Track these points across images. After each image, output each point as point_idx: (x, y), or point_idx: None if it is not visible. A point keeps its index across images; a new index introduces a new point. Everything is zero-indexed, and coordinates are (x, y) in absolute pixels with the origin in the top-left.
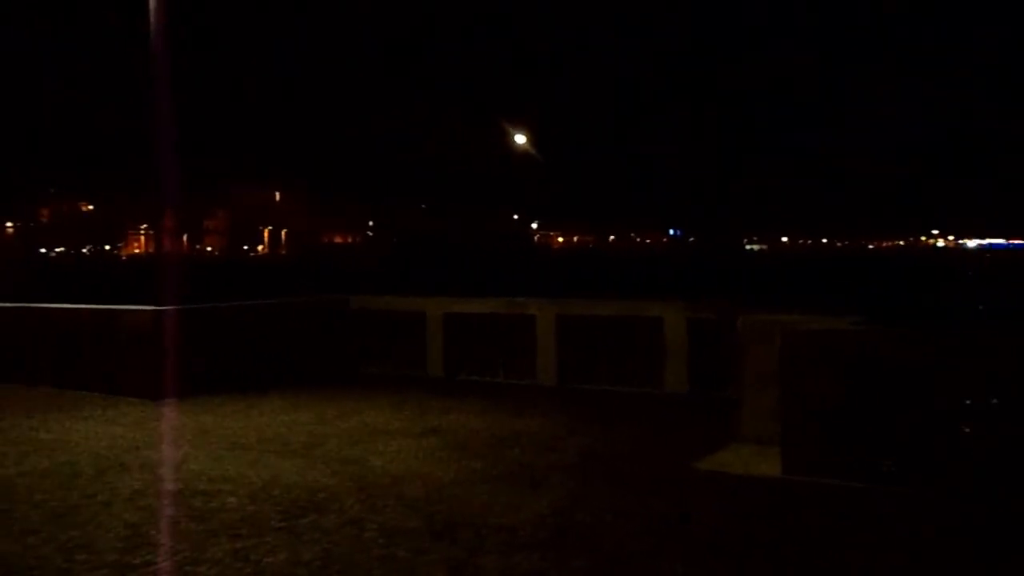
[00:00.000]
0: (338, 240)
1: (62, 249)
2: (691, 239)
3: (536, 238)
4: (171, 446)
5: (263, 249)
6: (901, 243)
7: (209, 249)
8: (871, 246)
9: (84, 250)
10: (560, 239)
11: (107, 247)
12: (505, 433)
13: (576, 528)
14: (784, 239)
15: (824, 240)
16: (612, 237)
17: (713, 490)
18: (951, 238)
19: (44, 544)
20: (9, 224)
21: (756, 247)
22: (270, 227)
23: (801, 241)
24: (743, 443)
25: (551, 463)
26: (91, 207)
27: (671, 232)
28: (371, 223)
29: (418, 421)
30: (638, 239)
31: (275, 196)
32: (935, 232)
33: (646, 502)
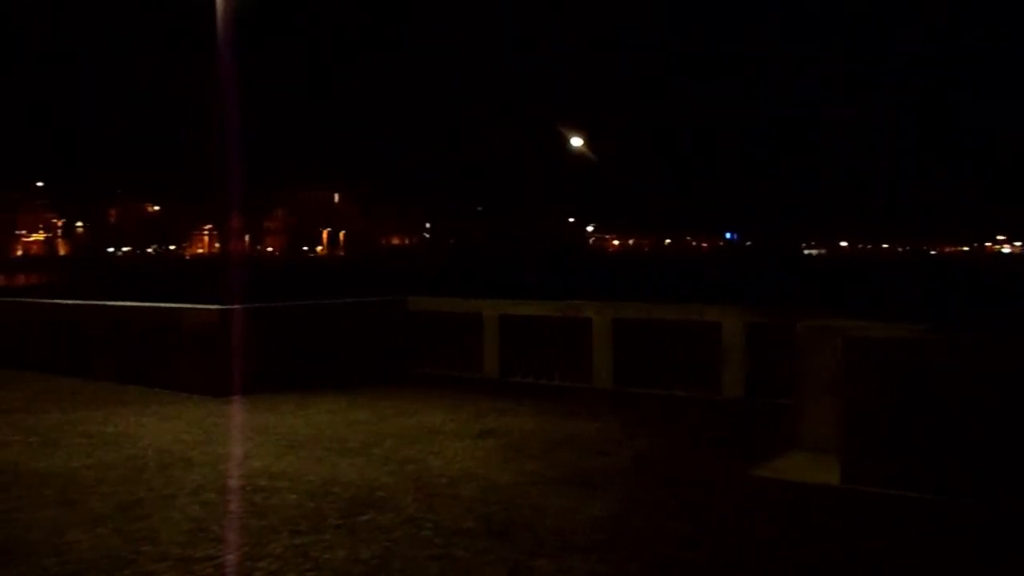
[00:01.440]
0: (395, 242)
1: (128, 249)
2: (748, 243)
3: (591, 241)
4: (233, 442)
5: (322, 250)
6: (965, 249)
7: (270, 249)
8: (933, 252)
9: (149, 250)
10: (616, 242)
11: (171, 247)
12: (560, 436)
13: (631, 532)
14: (843, 244)
15: (885, 245)
16: (668, 240)
17: (770, 497)
18: (1018, 244)
19: (112, 535)
20: (79, 224)
21: (815, 252)
22: (329, 228)
23: (861, 246)
24: (801, 450)
25: (606, 466)
26: (157, 208)
27: (727, 236)
28: (428, 225)
29: (474, 422)
30: (694, 243)
31: (334, 198)
32: (1001, 238)
33: (701, 507)
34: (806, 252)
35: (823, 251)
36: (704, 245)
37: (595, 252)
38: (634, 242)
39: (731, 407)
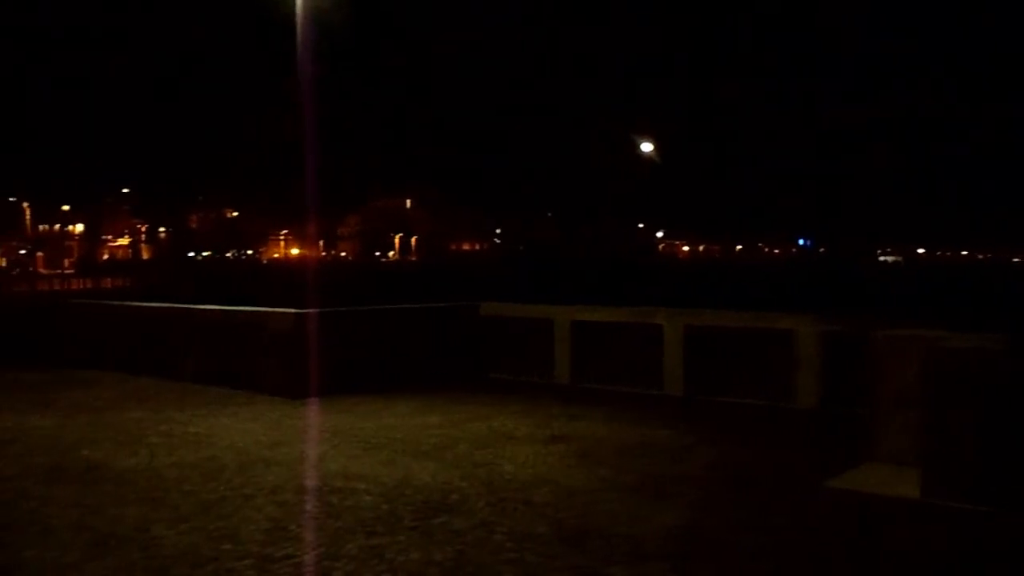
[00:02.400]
0: (466, 247)
1: (208, 253)
2: (821, 250)
3: (661, 247)
4: (309, 444)
5: (394, 255)
6: None
7: (343, 254)
8: (1016, 259)
9: (228, 254)
10: (686, 248)
11: (249, 251)
12: (632, 442)
13: (703, 541)
14: (920, 251)
15: (964, 252)
16: (739, 247)
17: (846, 509)
18: None
19: (193, 532)
20: (162, 229)
21: (891, 259)
22: (401, 234)
23: (939, 253)
24: (878, 462)
25: (678, 474)
26: (235, 213)
27: (800, 242)
28: (498, 231)
29: (545, 427)
30: (766, 249)
31: (406, 204)
32: None
33: (775, 518)
34: (882, 259)
35: (899, 258)
36: (776, 251)
37: (665, 258)
38: (704, 248)
39: (805, 417)
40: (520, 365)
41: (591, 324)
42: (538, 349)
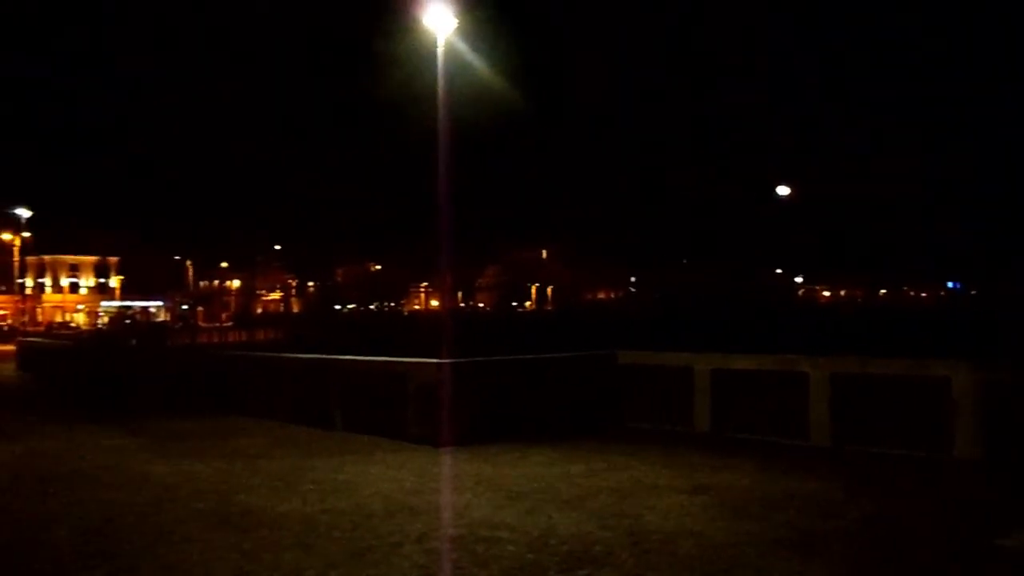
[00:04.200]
0: (601, 296)
1: (353, 305)
2: (972, 292)
3: (800, 292)
4: (453, 492)
5: (530, 305)
6: None
7: (481, 305)
8: None
9: (371, 306)
10: (826, 293)
11: (391, 303)
12: (778, 494)
13: None
14: None
15: None
16: (883, 291)
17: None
18: None
19: None
20: (311, 284)
21: None
22: (537, 284)
23: None
24: None
25: (829, 529)
26: (378, 267)
27: (949, 285)
28: (633, 279)
29: (688, 478)
30: (911, 292)
31: (542, 254)
32: None
33: None
34: None
35: None
36: (923, 295)
37: (805, 304)
38: (845, 293)
39: (965, 468)
40: (659, 414)
41: (732, 372)
42: (677, 398)
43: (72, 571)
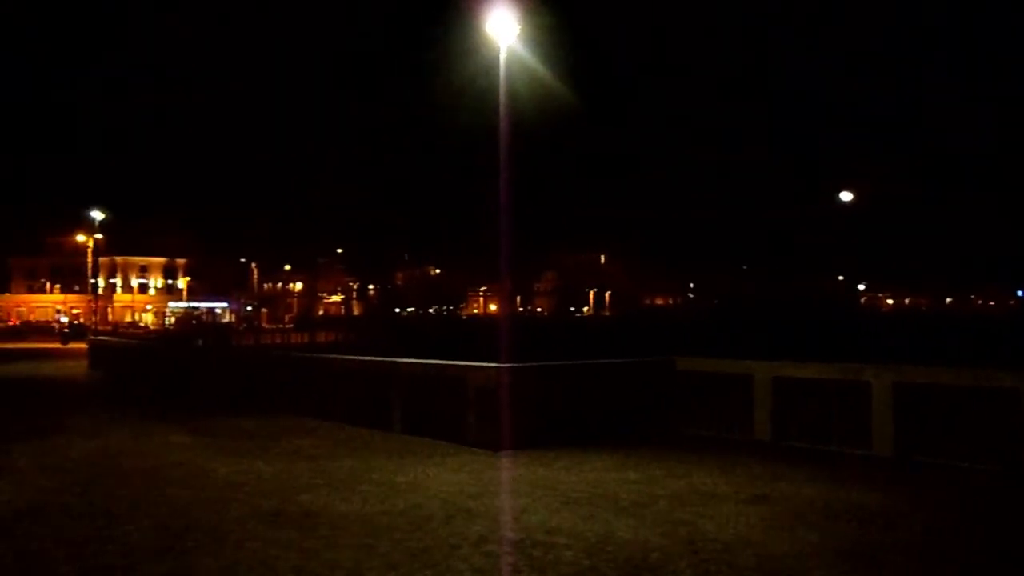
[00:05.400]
0: (659, 302)
1: (412, 309)
2: None
3: (863, 300)
4: (511, 496)
5: (588, 310)
6: None
7: (539, 310)
8: None
9: (430, 310)
10: (890, 301)
11: (450, 307)
12: (840, 505)
13: None
14: None
15: None
16: (949, 299)
17: None
18: None
19: None
20: (371, 287)
21: None
22: (595, 289)
23: None
24: None
25: (893, 542)
26: (437, 271)
27: (1020, 293)
28: (691, 285)
29: (747, 486)
30: (979, 301)
31: (600, 259)
32: None
33: None
34: None
35: None
36: (992, 303)
37: (867, 312)
38: (910, 301)
39: None
40: (718, 421)
41: (793, 380)
42: (737, 405)
43: (140, 564)
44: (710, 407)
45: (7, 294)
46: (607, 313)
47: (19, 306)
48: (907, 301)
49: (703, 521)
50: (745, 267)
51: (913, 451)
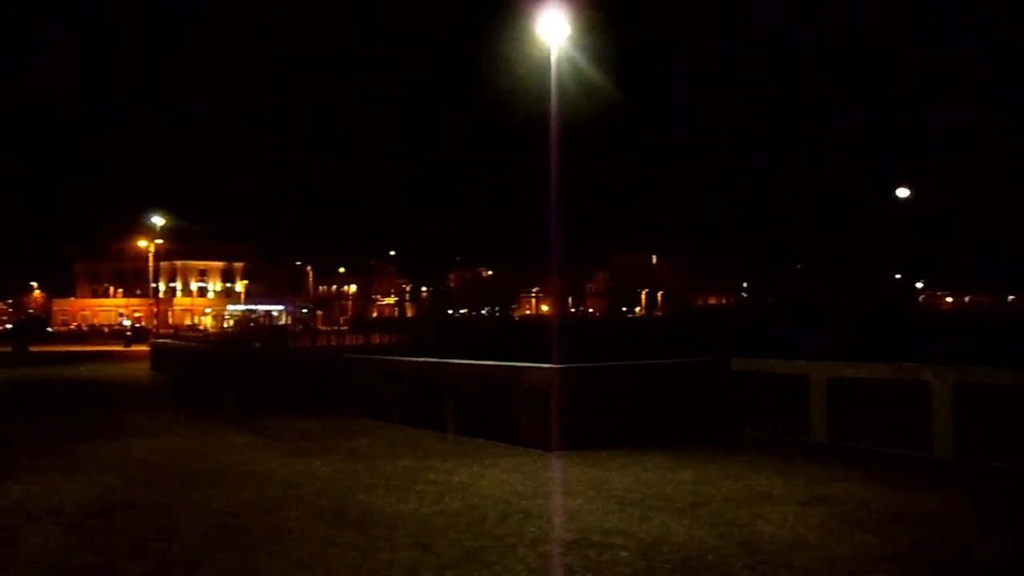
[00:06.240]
0: (711, 301)
1: (465, 310)
2: None
3: (921, 298)
4: (565, 496)
5: (640, 310)
6: None
7: (591, 310)
8: None
9: (483, 311)
10: (949, 299)
11: (501, 309)
12: (899, 508)
13: None
14: None
15: None
16: (1011, 297)
17: None
18: None
19: None
20: (424, 289)
21: None
22: (647, 289)
23: None
24: None
25: (956, 547)
26: (489, 272)
27: None
28: (744, 284)
29: (803, 488)
30: None
31: (651, 259)
32: None
33: None
34: None
35: None
36: None
37: (925, 311)
38: (970, 299)
39: None
40: (773, 422)
41: (850, 381)
42: (792, 406)
43: (203, 561)
44: (766, 408)
45: (72, 298)
46: (659, 313)
47: (83, 310)
48: (967, 299)
49: (760, 522)
50: (799, 266)
51: (974, 453)
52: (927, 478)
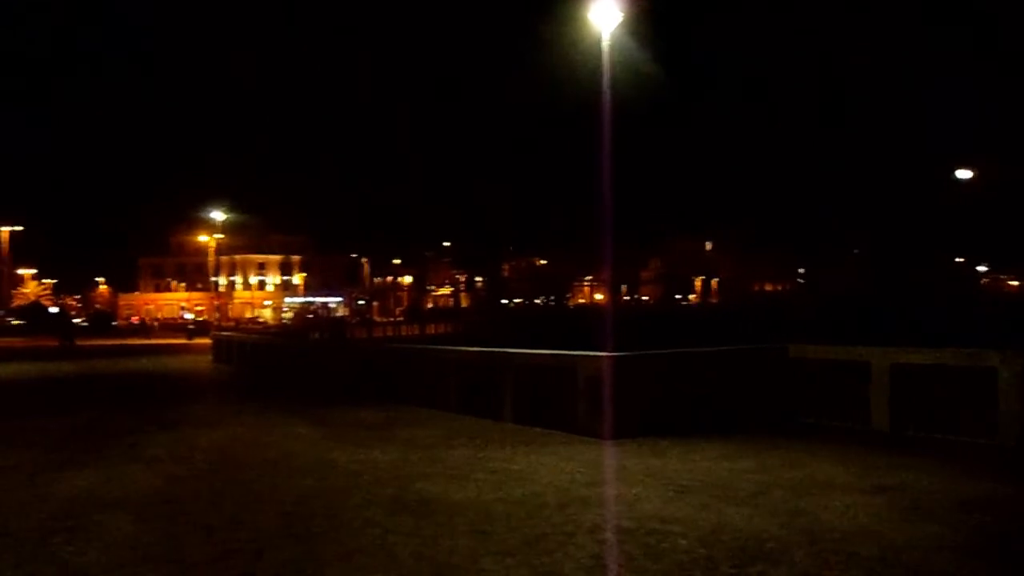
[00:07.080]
0: (767, 288)
1: (519, 300)
2: None
3: (983, 282)
4: (623, 485)
5: (694, 298)
6: None
7: (645, 298)
8: None
9: (537, 300)
10: (1014, 283)
11: (555, 297)
12: (966, 496)
13: None
14: None
15: None
16: None
17: None
18: None
19: (520, 567)
20: (479, 279)
21: None
22: (701, 276)
23: None
24: None
25: (1021, 534)
26: (544, 262)
27: None
28: (801, 270)
29: (865, 476)
30: None
31: (706, 246)
32: None
33: None
34: None
35: None
36: None
37: (989, 294)
38: None
39: None
40: (833, 410)
41: (912, 367)
42: (853, 393)
43: (267, 550)
44: (825, 396)
45: (136, 292)
46: (714, 300)
47: (147, 304)
48: None
49: (821, 511)
50: (856, 251)
51: None
52: (994, 466)
